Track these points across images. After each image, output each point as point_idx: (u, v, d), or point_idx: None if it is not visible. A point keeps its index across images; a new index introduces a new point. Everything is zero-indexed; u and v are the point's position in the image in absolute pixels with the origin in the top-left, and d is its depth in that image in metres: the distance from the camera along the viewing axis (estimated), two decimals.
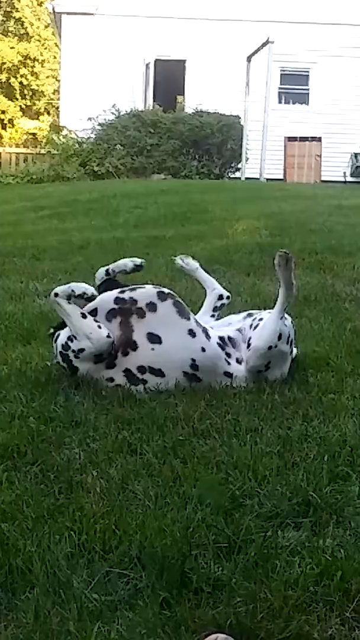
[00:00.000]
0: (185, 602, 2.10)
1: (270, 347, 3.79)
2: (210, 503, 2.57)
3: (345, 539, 2.40)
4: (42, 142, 26.59)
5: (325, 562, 2.24)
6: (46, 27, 42.64)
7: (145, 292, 3.83)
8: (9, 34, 44.11)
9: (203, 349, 3.76)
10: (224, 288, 4.58)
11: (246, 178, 20.94)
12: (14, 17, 44.37)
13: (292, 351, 3.95)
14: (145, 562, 2.25)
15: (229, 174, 22.35)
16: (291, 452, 3.01)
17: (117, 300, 3.81)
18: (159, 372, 3.73)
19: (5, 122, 39.72)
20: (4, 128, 36.43)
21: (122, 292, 3.84)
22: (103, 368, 3.77)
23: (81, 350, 3.74)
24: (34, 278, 6.66)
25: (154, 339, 3.73)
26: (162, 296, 3.80)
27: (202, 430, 3.23)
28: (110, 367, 3.76)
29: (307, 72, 25.83)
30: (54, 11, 25.76)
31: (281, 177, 23.08)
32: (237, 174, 21.96)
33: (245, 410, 3.43)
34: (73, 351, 3.77)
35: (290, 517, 2.52)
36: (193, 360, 3.74)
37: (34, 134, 33.18)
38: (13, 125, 39.14)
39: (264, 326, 3.86)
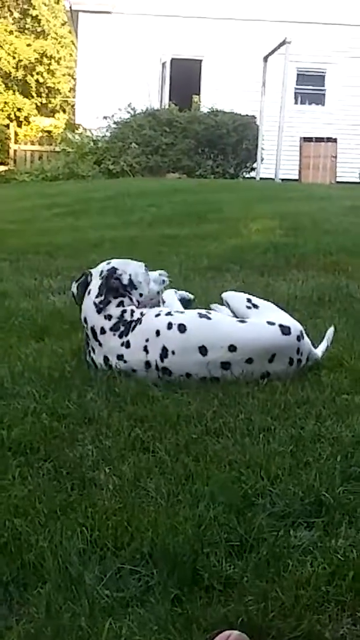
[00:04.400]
0: (197, 599, 2.10)
1: None
2: (223, 501, 2.57)
3: (357, 539, 2.39)
4: (57, 139, 26.65)
5: (337, 562, 2.24)
6: (63, 24, 42.75)
7: None
8: (26, 31, 44.23)
9: None
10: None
11: (261, 178, 20.92)
12: (31, 15, 44.50)
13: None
14: (157, 559, 2.25)
15: (244, 173, 22.33)
16: (304, 451, 3.00)
17: None
18: None
19: (21, 119, 39.79)
20: (19, 125, 36.47)
21: None
22: None
23: None
24: (48, 275, 6.67)
25: None
26: None
27: (214, 428, 3.23)
28: None
29: (324, 72, 25.81)
30: (71, 9, 25.79)
31: (296, 177, 23.04)
32: (252, 174, 21.94)
33: (258, 410, 3.43)
34: None
35: (302, 516, 2.52)
36: None
37: (49, 132, 33.23)
38: (29, 123, 39.20)
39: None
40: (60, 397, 3.58)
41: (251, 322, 3.99)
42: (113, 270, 4.19)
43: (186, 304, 4.62)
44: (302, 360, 3.94)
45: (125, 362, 3.93)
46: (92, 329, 4.06)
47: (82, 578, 2.17)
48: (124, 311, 4.06)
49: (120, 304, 4.09)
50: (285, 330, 3.89)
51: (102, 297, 4.08)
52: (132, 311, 4.07)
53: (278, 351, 3.85)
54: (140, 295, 4.21)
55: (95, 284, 4.15)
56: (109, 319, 4.04)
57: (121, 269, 4.21)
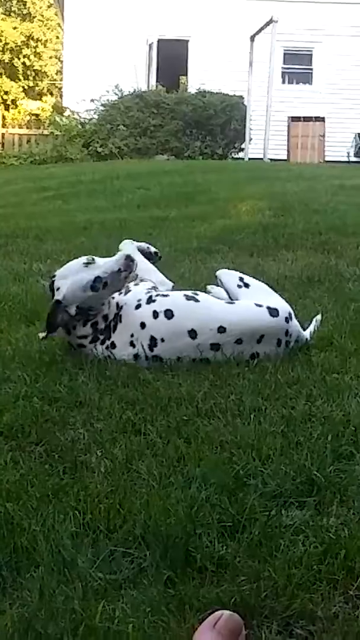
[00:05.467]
0: (190, 580, 2.11)
1: None
2: (214, 482, 2.57)
3: (349, 517, 2.40)
4: (45, 123, 26.54)
5: (329, 540, 2.25)
6: (49, 7, 42.54)
7: None
8: (12, 14, 43.98)
9: None
10: (228, 268, 4.57)
11: (250, 158, 20.91)
12: None
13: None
14: (150, 541, 2.25)
15: (233, 154, 22.32)
16: (295, 431, 3.01)
17: None
18: None
19: (8, 102, 39.61)
20: (7, 109, 36.27)
21: None
22: None
23: None
24: (37, 259, 6.65)
25: None
26: None
27: (205, 410, 3.23)
28: None
29: (311, 51, 25.78)
30: None
31: (285, 157, 23.04)
32: (241, 155, 21.93)
33: (249, 390, 3.43)
34: None
35: (294, 496, 2.52)
36: None
37: (37, 115, 33.05)
38: (16, 106, 39.00)
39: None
40: (51, 381, 3.57)
41: (239, 303, 3.98)
42: (56, 303, 3.92)
43: (148, 256, 4.51)
44: (291, 341, 3.94)
45: (115, 359, 3.90)
46: (70, 344, 4.03)
47: (75, 561, 2.17)
48: (95, 323, 3.94)
49: (86, 322, 3.95)
50: (273, 312, 3.88)
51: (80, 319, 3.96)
52: (105, 316, 3.95)
53: (266, 332, 3.85)
54: (102, 304, 3.97)
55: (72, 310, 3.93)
56: (85, 338, 3.96)
57: (64, 294, 3.91)
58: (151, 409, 3.24)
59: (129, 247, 4.38)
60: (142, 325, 3.86)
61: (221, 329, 3.79)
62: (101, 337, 3.94)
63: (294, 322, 3.99)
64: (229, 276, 4.24)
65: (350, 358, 3.88)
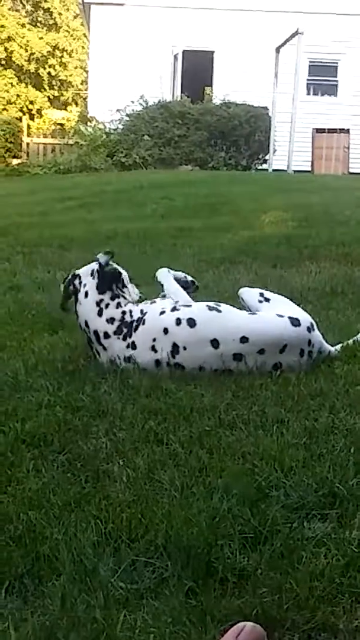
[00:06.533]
0: (211, 591, 2.10)
1: None
2: (237, 493, 2.57)
3: None
4: (69, 132, 26.63)
5: (351, 553, 2.24)
6: (75, 17, 42.73)
7: None
8: (38, 24, 44.21)
9: None
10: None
11: (274, 170, 20.89)
12: (43, 8, 44.48)
13: None
14: (171, 551, 2.25)
15: (257, 165, 22.29)
16: (317, 443, 3.00)
17: None
18: None
19: (34, 112, 39.83)
20: (32, 118, 36.46)
21: None
22: None
23: None
24: (61, 268, 6.67)
25: None
26: None
27: (228, 421, 3.23)
28: None
29: (336, 63, 25.70)
30: (83, 1, 25.76)
31: (309, 168, 22.99)
32: (265, 166, 21.89)
33: (272, 402, 3.43)
34: None
35: (316, 508, 2.52)
36: None
37: (61, 125, 33.21)
38: (41, 116, 39.23)
39: None
40: (74, 389, 3.58)
41: (260, 314, 3.99)
42: (106, 262, 4.20)
43: (184, 285, 4.53)
44: (314, 352, 3.94)
45: (133, 362, 3.93)
46: (95, 333, 4.06)
47: (96, 570, 2.18)
48: (124, 312, 4.06)
49: (119, 305, 4.10)
50: (295, 322, 3.90)
51: (103, 293, 4.10)
52: (131, 311, 4.07)
53: (289, 342, 3.86)
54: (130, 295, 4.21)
55: (90, 285, 4.15)
56: (112, 322, 4.04)
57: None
58: (173, 419, 3.24)
59: (164, 274, 4.43)
60: (165, 330, 3.89)
61: (244, 339, 3.80)
62: (124, 331, 3.99)
63: (317, 332, 3.99)
64: (250, 293, 4.28)
65: None
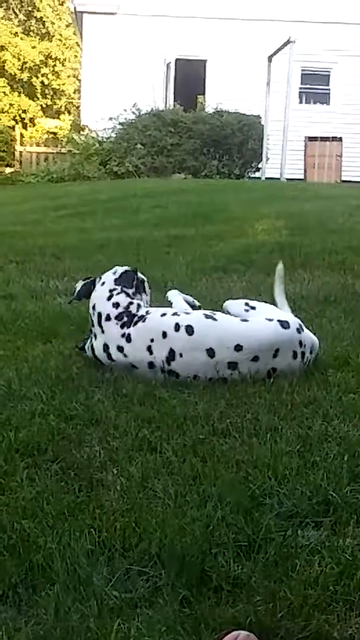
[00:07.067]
0: (205, 600, 2.10)
1: None
2: (230, 502, 2.57)
3: None
4: (62, 141, 26.65)
5: (345, 561, 2.24)
6: (67, 26, 42.74)
7: None
8: (31, 33, 44.22)
9: None
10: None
11: (266, 178, 20.91)
12: (35, 17, 44.52)
13: None
14: (165, 560, 2.25)
15: (249, 173, 22.30)
16: (311, 451, 3.00)
17: None
18: None
19: (26, 121, 39.79)
20: (25, 127, 36.41)
21: None
22: None
23: None
24: (54, 277, 6.68)
25: None
26: None
27: (222, 429, 3.23)
28: None
29: (329, 72, 25.75)
30: (75, 10, 25.77)
31: (301, 177, 23.04)
32: (258, 174, 21.90)
33: (265, 410, 3.43)
34: None
35: (310, 516, 2.52)
36: None
37: (54, 133, 33.21)
38: (34, 125, 39.19)
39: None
40: (67, 398, 3.58)
41: (251, 320, 4.03)
42: (133, 270, 4.30)
43: (191, 305, 4.61)
44: (306, 352, 3.97)
45: (125, 355, 3.98)
46: (99, 315, 4.13)
47: (90, 579, 2.18)
48: (131, 303, 4.12)
49: (128, 296, 4.17)
50: (285, 324, 3.95)
51: (119, 285, 4.20)
52: (139, 306, 4.13)
53: (281, 345, 3.89)
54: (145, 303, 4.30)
55: (109, 279, 4.24)
56: (116, 307, 4.09)
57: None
58: (167, 427, 3.24)
59: (174, 294, 4.58)
60: (164, 334, 3.92)
61: (238, 347, 3.82)
62: (124, 319, 4.04)
63: (306, 332, 4.04)
64: (235, 305, 4.37)
65: None
